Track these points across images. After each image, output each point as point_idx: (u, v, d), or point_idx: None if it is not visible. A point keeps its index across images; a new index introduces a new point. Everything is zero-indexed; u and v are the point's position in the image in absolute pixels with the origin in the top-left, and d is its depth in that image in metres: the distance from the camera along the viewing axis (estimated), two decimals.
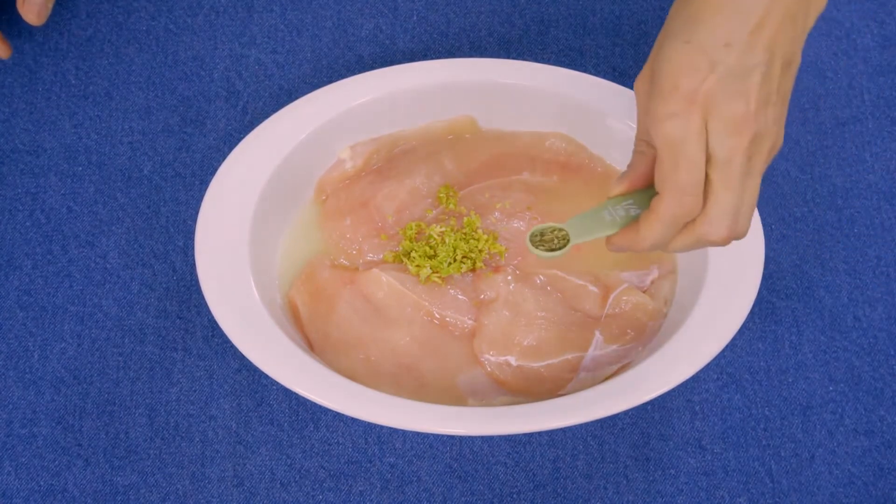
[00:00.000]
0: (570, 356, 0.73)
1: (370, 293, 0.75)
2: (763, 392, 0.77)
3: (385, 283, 0.75)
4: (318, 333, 0.74)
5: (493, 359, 0.73)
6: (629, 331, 0.74)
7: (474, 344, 0.74)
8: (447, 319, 0.75)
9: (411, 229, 0.78)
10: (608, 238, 0.66)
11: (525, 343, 0.74)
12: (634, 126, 0.79)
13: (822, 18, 0.90)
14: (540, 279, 0.76)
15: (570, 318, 0.75)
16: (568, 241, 0.66)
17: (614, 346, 0.74)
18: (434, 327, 0.75)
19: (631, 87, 0.83)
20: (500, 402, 0.73)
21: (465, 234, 0.78)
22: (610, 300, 0.75)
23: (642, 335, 0.74)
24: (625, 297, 0.75)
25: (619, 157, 0.81)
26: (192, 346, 0.78)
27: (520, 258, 0.78)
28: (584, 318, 0.75)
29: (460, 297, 0.75)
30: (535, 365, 0.73)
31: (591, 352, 0.74)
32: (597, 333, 0.74)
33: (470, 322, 0.75)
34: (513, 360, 0.73)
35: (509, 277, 0.76)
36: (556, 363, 0.73)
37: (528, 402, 0.70)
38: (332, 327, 0.74)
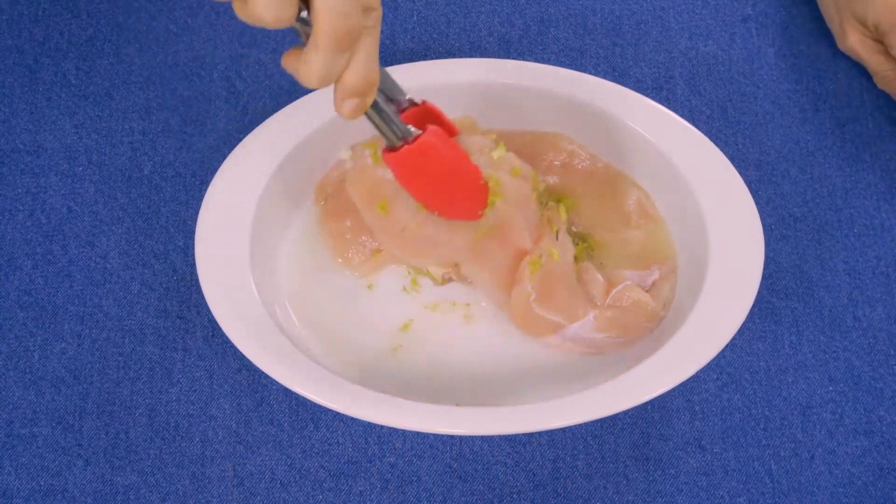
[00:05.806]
0: (558, 318, 0.74)
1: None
2: (763, 392, 0.77)
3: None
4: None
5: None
6: (619, 327, 0.74)
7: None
8: None
9: None
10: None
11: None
12: (633, 125, 0.79)
13: (821, 18, 0.90)
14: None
15: (579, 288, 0.75)
16: None
17: (599, 335, 0.74)
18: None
19: (631, 87, 0.83)
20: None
21: None
22: (613, 293, 0.75)
23: (629, 334, 0.74)
24: (627, 294, 0.75)
25: (619, 156, 0.81)
26: (192, 346, 0.78)
27: None
28: (587, 299, 0.75)
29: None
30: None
31: (578, 325, 0.74)
32: (590, 315, 0.74)
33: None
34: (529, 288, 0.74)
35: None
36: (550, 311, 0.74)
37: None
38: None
